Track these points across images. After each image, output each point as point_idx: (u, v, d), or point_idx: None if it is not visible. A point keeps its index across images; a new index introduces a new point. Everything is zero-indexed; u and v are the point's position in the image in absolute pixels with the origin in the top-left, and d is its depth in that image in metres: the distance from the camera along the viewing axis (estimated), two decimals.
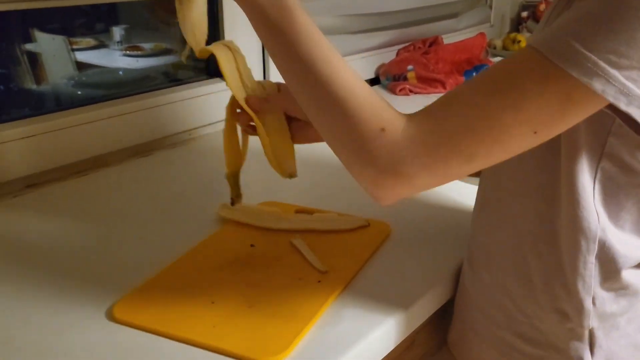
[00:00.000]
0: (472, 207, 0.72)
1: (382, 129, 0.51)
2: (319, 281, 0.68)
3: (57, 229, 0.84)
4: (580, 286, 0.60)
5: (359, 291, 0.68)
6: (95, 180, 1.02)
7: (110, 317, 0.63)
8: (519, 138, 0.49)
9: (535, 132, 0.48)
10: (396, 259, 0.75)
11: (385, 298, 0.67)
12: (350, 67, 0.54)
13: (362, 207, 0.86)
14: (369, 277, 0.71)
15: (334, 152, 0.56)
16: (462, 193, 0.92)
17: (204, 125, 1.24)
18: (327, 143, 0.56)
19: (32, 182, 0.98)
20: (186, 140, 1.21)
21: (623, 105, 0.46)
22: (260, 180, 1.04)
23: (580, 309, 0.60)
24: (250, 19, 0.57)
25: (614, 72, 0.45)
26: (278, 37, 0.55)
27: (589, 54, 0.45)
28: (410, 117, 0.52)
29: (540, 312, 0.63)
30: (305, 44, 0.53)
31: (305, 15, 0.54)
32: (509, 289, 0.65)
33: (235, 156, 0.76)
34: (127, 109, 1.10)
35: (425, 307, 0.69)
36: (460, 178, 0.53)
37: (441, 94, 1.62)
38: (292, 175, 0.73)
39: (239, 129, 0.75)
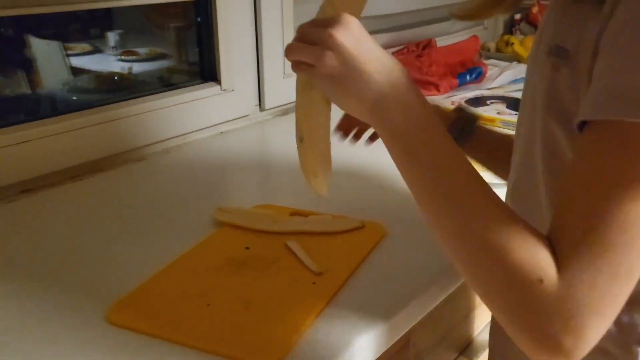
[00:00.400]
0: None
1: (540, 280, 0.43)
2: (314, 283, 0.68)
3: (52, 233, 0.84)
4: (623, 328, 0.57)
5: (354, 292, 0.68)
6: (90, 185, 1.02)
7: (106, 320, 0.63)
8: None
9: None
10: (391, 259, 0.75)
11: (380, 299, 0.67)
12: (498, 196, 0.48)
13: (357, 209, 0.86)
14: (363, 278, 0.71)
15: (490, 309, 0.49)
16: None
17: (198, 130, 1.25)
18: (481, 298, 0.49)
19: (27, 187, 0.98)
20: (180, 144, 1.21)
21: None
22: (254, 183, 1.04)
23: (626, 349, 0.58)
24: (384, 140, 0.53)
25: None
26: (413, 164, 0.51)
27: None
28: (555, 255, 0.45)
29: None
30: (449, 180, 0.49)
31: (448, 137, 0.51)
32: None
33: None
34: (121, 114, 1.11)
35: (420, 308, 0.70)
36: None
37: (435, 97, 1.61)
38: (319, 191, 0.62)
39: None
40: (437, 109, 0.82)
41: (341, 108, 0.57)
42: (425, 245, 0.79)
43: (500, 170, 0.80)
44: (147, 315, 0.64)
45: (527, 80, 0.64)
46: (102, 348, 0.59)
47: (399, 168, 0.52)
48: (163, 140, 1.18)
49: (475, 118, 0.82)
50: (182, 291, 0.68)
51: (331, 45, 0.52)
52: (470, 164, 0.50)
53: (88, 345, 0.60)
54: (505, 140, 0.80)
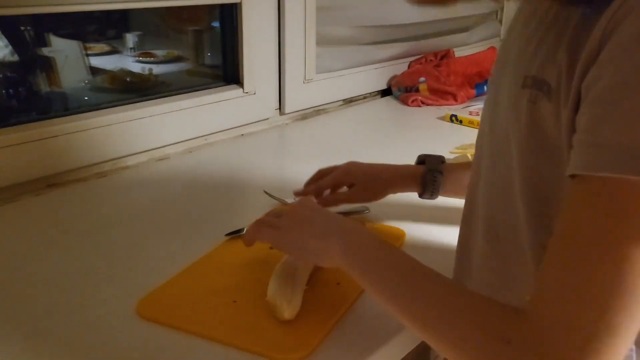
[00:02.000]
0: None
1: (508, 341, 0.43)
2: (338, 283, 0.70)
3: (80, 227, 0.85)
4: None
5: None
6: (116, 182, 1.04)
7: (135, 313, 0.65)
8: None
9: None
10: None
11: None
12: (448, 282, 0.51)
13: (377, 213, 0.88)
14: None
15: None
16: None
17: (219, 131, 1.26)
18: None
19: (54, 182, 1.00)
20: (202, 145, 1.23)
21: None
22: (272, 185, 1.05)
23: None
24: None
25: None
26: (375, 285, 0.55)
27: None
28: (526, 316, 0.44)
29: None
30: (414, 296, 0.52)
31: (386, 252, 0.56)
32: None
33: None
34: (144, 114, 1.12)
35: None
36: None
37: (452, 106, 1.62)
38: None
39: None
40: (403, 175, 0.86)
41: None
42: (443, 250, 0.80)
43: None
44: (174, 309, 0.65)
45: (490, 105, 0.61)
46: (132, 339, 0.61)
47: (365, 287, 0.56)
48: (185, 141, 1.20)
49: (437, 166, 0.85)
50: (208, 287, 0.69)
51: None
52: (412, 260, 0.54)
53: (118, 337, 0.61)
54: None
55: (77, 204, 0.94)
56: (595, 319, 0.40)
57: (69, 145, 1.01)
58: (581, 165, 0.42)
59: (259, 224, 0.66)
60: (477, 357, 0.45)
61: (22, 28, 1.10)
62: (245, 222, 0.85)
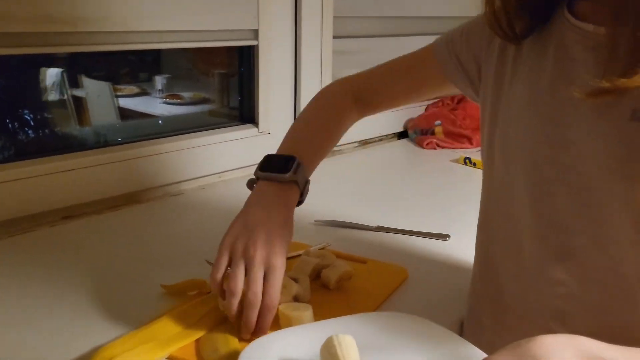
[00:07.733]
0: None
1: None
2: None
3: (89, 259, 0.87)
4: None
5: None
6: (127, 216, 1.06)
7: None
8: None
9: None
10: (411, 303, 0.76)
11: None
12: None
13: (379, 252, 0.88)
14: None
15: None
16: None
17: (234, 169, 1.29)
18: None
19: (69, 214, 1.03)
20: (216, 182, 1.25)
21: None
22: None
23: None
24: None
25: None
26: None
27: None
28: None
29: None
30: None
31: None
32: None
33: None
34: (162, 149, 1.16)
35: None
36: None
37: (467, 149, 1.62)
38: None
39: None
40: None
41: None
42: (446, 289, 0.79)
43: None
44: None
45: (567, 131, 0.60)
46: None
47: None
48: (200, 177, 1.23)
49: None
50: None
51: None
52: None
53: None
54: None
55: (89, 237, 0.97)
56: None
57: (85, 179, 1.05)
58: None
59: None
60: None
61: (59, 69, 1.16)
62: None
